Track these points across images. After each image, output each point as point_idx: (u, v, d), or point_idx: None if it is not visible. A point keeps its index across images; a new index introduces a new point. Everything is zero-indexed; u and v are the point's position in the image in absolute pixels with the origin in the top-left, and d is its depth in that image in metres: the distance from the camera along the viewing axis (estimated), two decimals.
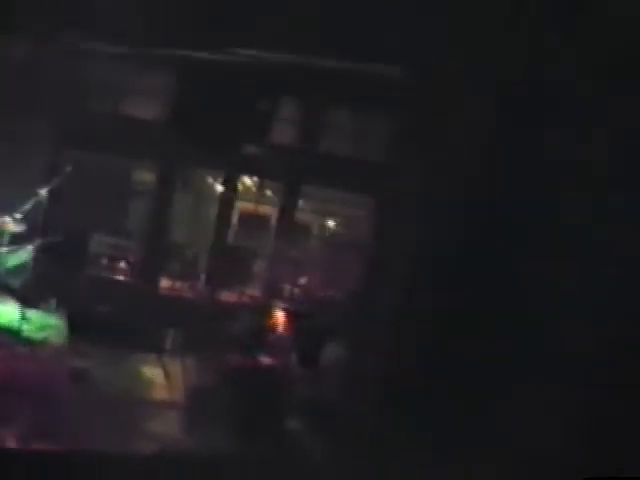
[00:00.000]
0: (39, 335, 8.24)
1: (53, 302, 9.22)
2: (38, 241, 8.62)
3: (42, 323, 8.55)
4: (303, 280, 11.93)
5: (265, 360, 7.58)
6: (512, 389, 4.60)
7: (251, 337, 8.09)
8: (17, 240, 8.49)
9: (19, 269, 8.85)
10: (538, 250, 4.76)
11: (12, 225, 8.20)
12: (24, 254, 8.73)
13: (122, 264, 10.35)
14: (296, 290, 11.66)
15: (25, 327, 8.13)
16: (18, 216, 8.22)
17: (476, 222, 5.22)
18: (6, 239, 8.25)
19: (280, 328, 7.90)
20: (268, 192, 12.45)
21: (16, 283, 8.94)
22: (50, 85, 9.72)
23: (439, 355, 5.27)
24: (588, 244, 4.43)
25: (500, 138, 5.15)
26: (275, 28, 7.66)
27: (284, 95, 10.79)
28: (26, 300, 8.48)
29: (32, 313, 8.57)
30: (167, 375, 8.54)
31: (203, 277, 11.30)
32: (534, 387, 4.50)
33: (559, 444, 4.26)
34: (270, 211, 12.26)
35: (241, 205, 12.18)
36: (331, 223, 12.96)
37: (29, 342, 7.97)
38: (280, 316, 7.95)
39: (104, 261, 10.20)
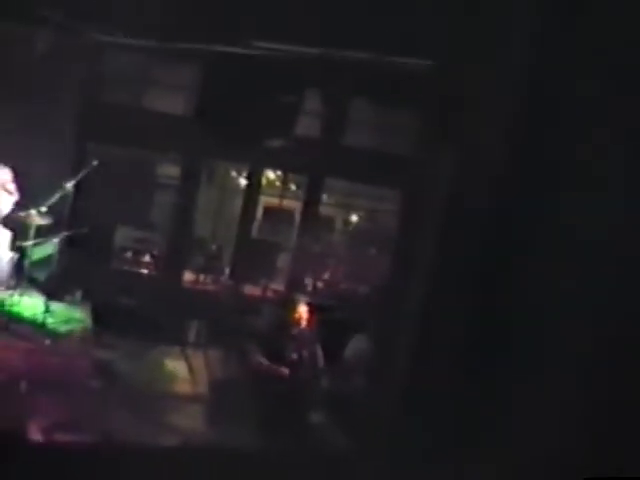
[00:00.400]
0: (64, 328, 8.30)
1: (78, 295, 9.28)
2: (63, 234, 8.67)
3: (67, 316, 8.61)
4: (327, 274, 11.92)
5: (288, 354, 7.56)
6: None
7: (274, 331, 8.07)
8: (42, 233, 8.54)
9: (44, 262, 8.92)
10: (563, 248, 4.71)
11: (38, 218, 8.24)
12: (49, 247, 8.78)
13: (147, 257, 10.39)
14: (320, 284, 11.64)
15: (50, 320, 8.18)
16: (43, 209, 8.26)
17: (502, 217, 5.18)
18: (32, 232, 8.29)
19: (303, 322, 7.87)
20: (292, 186, 12.44)
21: (41, 276, 9.01)
22: (76, 78, 9.77)
23: (463, 350, 5.23)
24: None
25: (527, 133, 5.09)
26: (299, 21, 7.63)
27: (308, 88, 10.75)
28: (51, 293, 8.53)
29: (57, 306, 8.64)
30: (190, 368, 8.56)
31: (227, 271, 11.33)
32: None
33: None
34: (294, 205, 12.25)
35: (265, 199, 12.18)
36: (355, 217, 12.93)
37: (54, 335, 8.02)
38: (304, 310, 7.92)
39: (129, 254, 10.24)
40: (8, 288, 8.32)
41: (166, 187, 11.62)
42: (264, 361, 7.26)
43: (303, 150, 10.88)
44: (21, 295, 8.34)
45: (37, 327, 8.04)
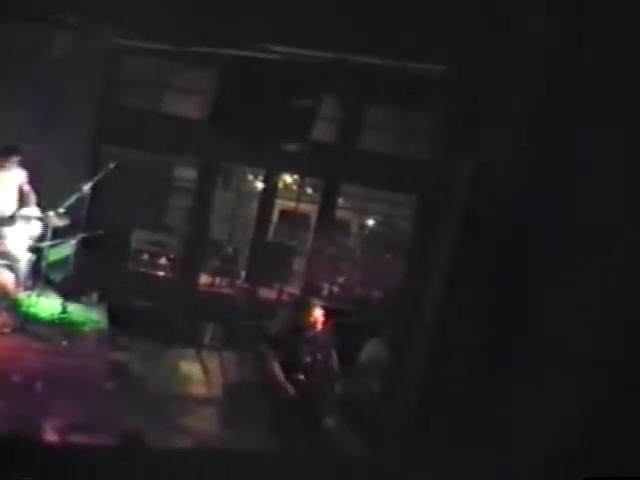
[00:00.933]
0: (80, 328, 8.33)
1: (94, 296, 9.32)
2: (80, 236, 8.71)
3: (83, 317, 8.64)
4: (342, 278, 11.91)
5: (303, 357, 7.55)
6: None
7: (289, 334, 8.07)
8: (60, 234, 8.58)
9: (61, 263, 8.96)
10: (580, 250, 4.67)
11: (55, 219, 8.27)
12: (66, 248, 8.82)
13: (163, 260, 10.41)
14: (335, 288, 11.63)
15: (66, 321, 8.22)
16: (61, 211, 8.30)
17: (518, 220, 5.15)
18: (49, 233, 8.34)
19: (319, 326, 7.85)
20: (308, 189, 12.44)
21: (58, 277, 9.05)
22: (93, 81, 9.82)
23: (480, 354, 5.20)
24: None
25: (545, 136, 5.06)
26: (317, 26, 7.63)
27: (326, 93, 10.76)
28: (67, 294, 8.57)
29: (73, 307, 8.67)
30: (205, 371, 8.57)
31: (243, 274, 11.33)
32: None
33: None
34: (310, 209, 12.25)
35: (281, 202, 12.18)
36: (370, 221, 12.91)
37: (70, 336, 8.05)
38: (319, 314, 7.90)
39: (145, 257, 10.26)
40: (25, 289, 8.37)
41: (182, 190, 11.65)
42: (278, 372, 7.24)
43: (320, 154, 10.88)
44: (38, 296, 8.38)
45: (53, 328, 8.09)
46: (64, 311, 8.21)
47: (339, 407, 7.41)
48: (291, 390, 7.15)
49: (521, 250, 5.04)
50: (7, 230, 8.25)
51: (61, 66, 8.83)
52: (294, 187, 12.44)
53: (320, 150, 10.90)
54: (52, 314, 8.28)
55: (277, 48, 8.59)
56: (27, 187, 8.48)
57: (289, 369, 7.32)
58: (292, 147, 10.68)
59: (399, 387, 6.18)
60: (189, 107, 10.79)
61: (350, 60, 8.51)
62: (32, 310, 8.21)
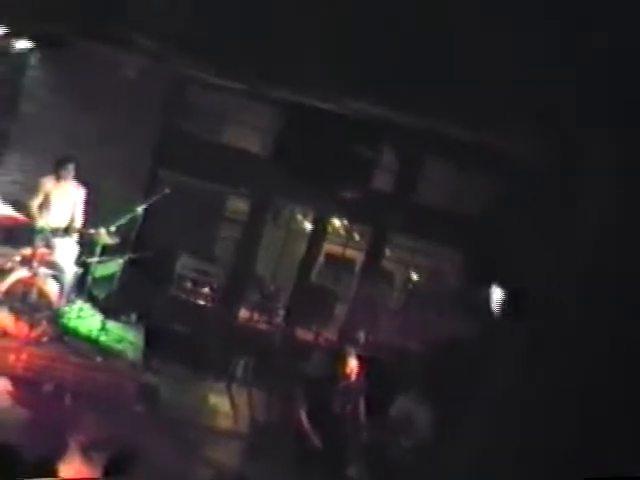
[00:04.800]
0: (116, 347, 8.38)
1: (133, 316, 9.38)
2: (128, 255, 8.80)
3: (120, 335, 8.70)
4: (381, 328, 11.79)
5: (334, 405, 7.46)
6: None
7: (322, 382, 7.98)
8: (108, 252, 8.68)
9: (106, 280, 9.04)
10: None
11: (106, 237, 8.38)
12: (113, 266, 8.91)
13: (205, 289, 10.44)
14: (373, 337, 11.52)
15: (103, 337, 8.28)
16: (113, 229, 8.41)
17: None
18: (98, 250, 8.44)
19: (352, 374, 7.76)
20: (356, 236, 12.42)
21: (102, 293, 9.14)
22: (158, 106, 10.00)
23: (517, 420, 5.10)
24: None
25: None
26: (387, 85, 7.66)
27: (386, 145, 10.83)
28: (108, 311, 8.64)
29: (112, 325, 8.74)
30: (233, 404, 8.53)
31: (282, 312, 11.30)
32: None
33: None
34: (356, 255, 12.22)
35: (328, 246, 12.16)
36: (415, 275, 12.80)
37: (105, 352, 8.10)
38: (354, 362, 7.81)
39: (188, 284, 10.31)
40: (69, 301, 8.46)
41: (233, 222, 11.73)
42: (304, 419, 7.15)
43: (372, 202, 10.89)
44: (80, 310, 8.47)
45: (90, 343, 8.15)
46: (103, 328, 8.27)
47: (363, 457, 7.29)
48: (316, 438, 7.06)
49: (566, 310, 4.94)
50: (58, 241, 8.38)
51: (130, 88, 9.00)
52: (341, 231, 12.42)
53: (373, 198, 10.92)
54: (91, 329, 8.34)
55: (346, 101, 8.62)
56: (80, 207, 8.60)
57: (317, 415, 7.23)
58: (347, 193, 10.72)
59: (428, 447, 6.08)
60: (248, 142, 10.92)
61: (417, 121, 8.50)
62: (72, 323, 8.30)
